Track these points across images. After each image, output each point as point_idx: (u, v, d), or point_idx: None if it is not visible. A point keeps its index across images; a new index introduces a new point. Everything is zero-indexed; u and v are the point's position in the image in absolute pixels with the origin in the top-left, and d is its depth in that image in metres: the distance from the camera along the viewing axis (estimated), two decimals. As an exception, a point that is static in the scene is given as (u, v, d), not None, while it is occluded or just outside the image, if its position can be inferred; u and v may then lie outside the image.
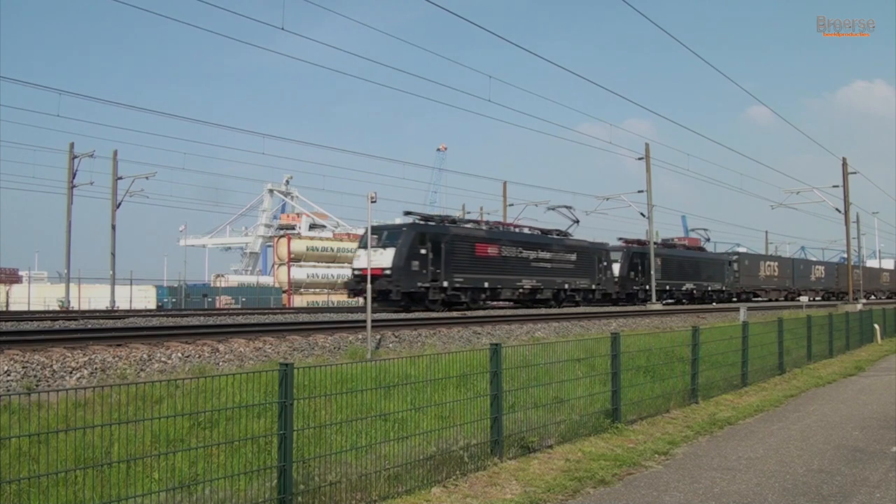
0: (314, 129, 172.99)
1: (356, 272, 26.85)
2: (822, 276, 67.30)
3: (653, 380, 10.01)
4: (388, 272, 25.54)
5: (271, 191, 74.57)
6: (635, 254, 40.22)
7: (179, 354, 11.75)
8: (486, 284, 29.24)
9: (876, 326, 23.85)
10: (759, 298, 54.93)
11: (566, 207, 40.02)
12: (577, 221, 39.71)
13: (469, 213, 51.64)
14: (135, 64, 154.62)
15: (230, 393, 5.65)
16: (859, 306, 35.10)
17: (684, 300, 45.32)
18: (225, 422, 5.71)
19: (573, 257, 34.91)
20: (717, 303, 45.66)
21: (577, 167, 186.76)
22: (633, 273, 39.57)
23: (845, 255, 52.75)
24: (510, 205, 47.90)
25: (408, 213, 29.47)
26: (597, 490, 6.14)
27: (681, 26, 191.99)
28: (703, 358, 11.06)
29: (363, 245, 26.74)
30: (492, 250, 29.83)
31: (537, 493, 5.90)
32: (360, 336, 14.94)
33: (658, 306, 37.54)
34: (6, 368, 9.80)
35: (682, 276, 44.39)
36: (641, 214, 42.21)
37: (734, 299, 50.29)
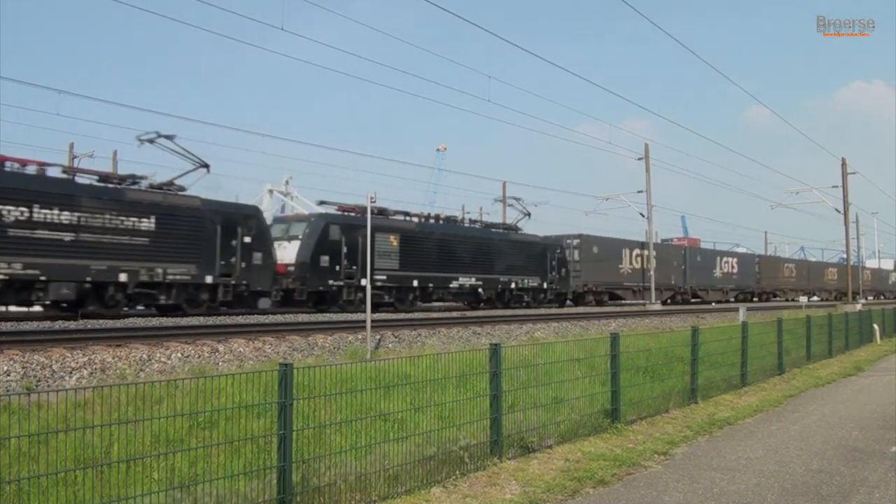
0: (314, 129, 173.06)
1: None
2: (735, 271, 51.33)
3: (652, 380, 10.02)
4: None
5: (271, 191, 74.45)
6: (333, 225, 24.75)
7: (179, 354, 11.76)
8: None
9: (875, 327, 23.88)
10: (622, 301, 41.16)
11: (164, 137, 22.19)
12: (207, 166, 22.84)
13: (468, 213, 51.58)
14: (135, 64, 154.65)
15: (230, 393, 5.65)
16: (858, 306, 35.13)
17: (482, 303, 30.89)
18: (224, 422, 5.71)
19: (150, 224, 19.70)
20: (532, 306, 32.21)
21: (577, 167, 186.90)
22: (328, 257, 24.25)
23: (844, 256, 52.66)
24: (510, 205, 47.94)
25: None
26: (596, 490, 6.15)
27: (680, 26, 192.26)
28: (703, 358, 11.07)
29: None
30: None
31: (537, 493, 5.91)
32: (359, 336, 14.96)
33: (657, 306, 37.40)
34: (6, 368, 9.81)
35: (453, 266, 29.05)
36: (641, 215, 42.20)
37: (568, 303, 36.12)
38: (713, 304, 45.24)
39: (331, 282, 24.38)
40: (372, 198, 14.65)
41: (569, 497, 5.93)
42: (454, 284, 29.12)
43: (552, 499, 5.85)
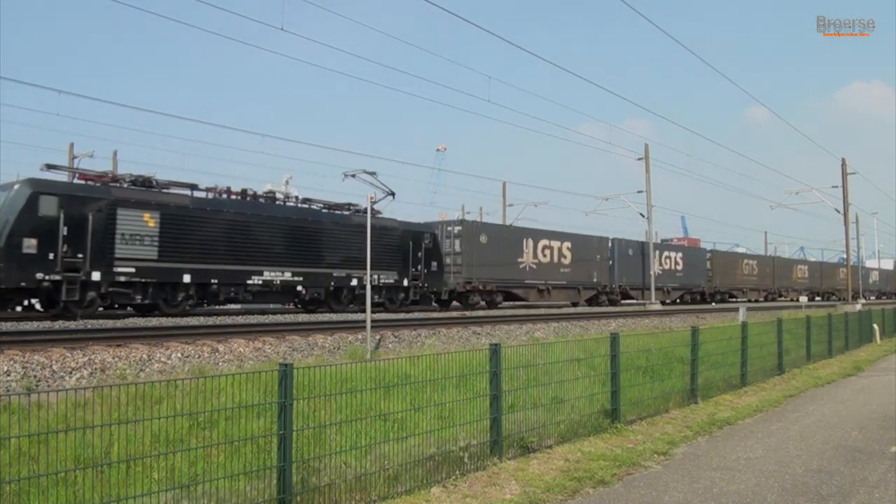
0: (314, 129, 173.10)
1: None
2: (678, 267, 44.84)
3: (652, 380, 10.02)
4: None
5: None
6: (47, 196, 18.02)
7: (179, 354, 11.76)
8: None
9: (875, 327, 23.88)
10: (524, 303, 34.64)
11: None
12: None
13: (468, 213, 51.60)
14: (135, 64, 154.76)
15: (230, 393, 5.65)
16: (858, 307, 35.13)
17: (307, 305, 24.63)
18: (224, 422, 5.71)
19: None
20: (390, 309, 25.69)
21: (577, 167, 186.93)
22: (37, 241, 17.59)
23: (844, 256, 52.58)
24: (510, 205, 48.04)
25: None
26: (596, 490, 6.15)
27: (680, 27, 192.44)
28: (703, 358, 11.07)
29: None
30: None
31: (537, 493, 5.91)
32: (359, 336, 14.96)
33: (657, 306, 37.37)
34: (6, 368, 9.81)
35: (255, 256, 22.31)
36: (641, 215, 42.20)
37: (454, 304, 30.06)
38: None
39: (40, 276, 17.55)
40: (372, 198, 14.63)
41: (569, 497, 5.93)
42: (256, 280, 22.32)
43: (552, 499, 5.85)
